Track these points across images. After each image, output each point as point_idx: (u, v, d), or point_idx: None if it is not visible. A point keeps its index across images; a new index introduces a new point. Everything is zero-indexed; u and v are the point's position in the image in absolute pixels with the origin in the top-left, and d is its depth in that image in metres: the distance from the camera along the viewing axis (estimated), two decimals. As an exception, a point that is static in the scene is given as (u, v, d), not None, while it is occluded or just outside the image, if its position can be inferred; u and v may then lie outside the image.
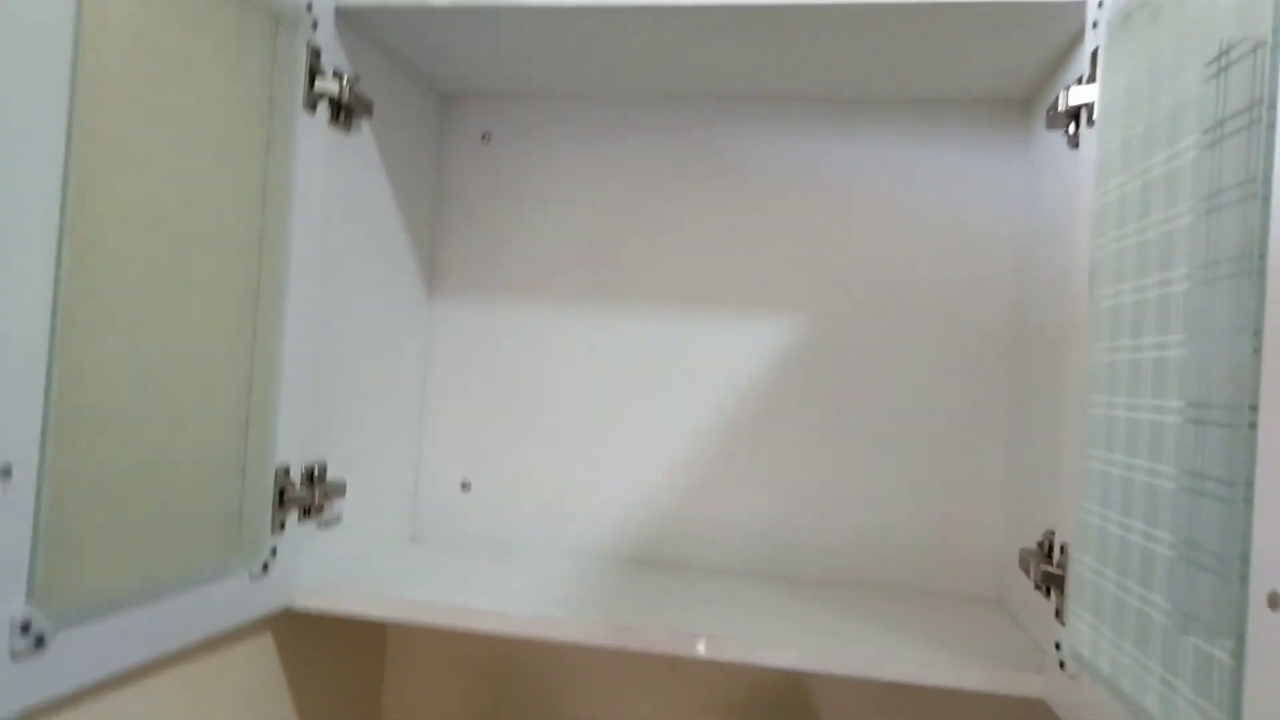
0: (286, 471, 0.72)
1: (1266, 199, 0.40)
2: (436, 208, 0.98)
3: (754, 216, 0.93)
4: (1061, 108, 0.66)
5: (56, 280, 0.49)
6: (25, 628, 0.48)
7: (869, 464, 0.90)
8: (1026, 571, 0.68)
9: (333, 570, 0.80)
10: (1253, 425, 0.40)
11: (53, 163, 0.49)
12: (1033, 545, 0.73)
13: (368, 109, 0.80)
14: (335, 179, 0.78)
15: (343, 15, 0.76)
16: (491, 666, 0.97)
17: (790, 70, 0.83)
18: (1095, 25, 0.64)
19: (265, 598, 0.70)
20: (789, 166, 0.92)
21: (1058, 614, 0.63)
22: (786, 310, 0.92)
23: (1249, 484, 0.40)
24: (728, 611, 0.76)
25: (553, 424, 0.96)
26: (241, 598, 0.67)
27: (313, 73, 0.73)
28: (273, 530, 0.71)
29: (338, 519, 0.82)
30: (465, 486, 0.97)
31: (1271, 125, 0.40)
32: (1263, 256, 0.40)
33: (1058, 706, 0.62)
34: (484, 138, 0.98)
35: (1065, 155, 0.72)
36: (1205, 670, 0.43)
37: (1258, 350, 0.40)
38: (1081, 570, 0.59)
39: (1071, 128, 0.67)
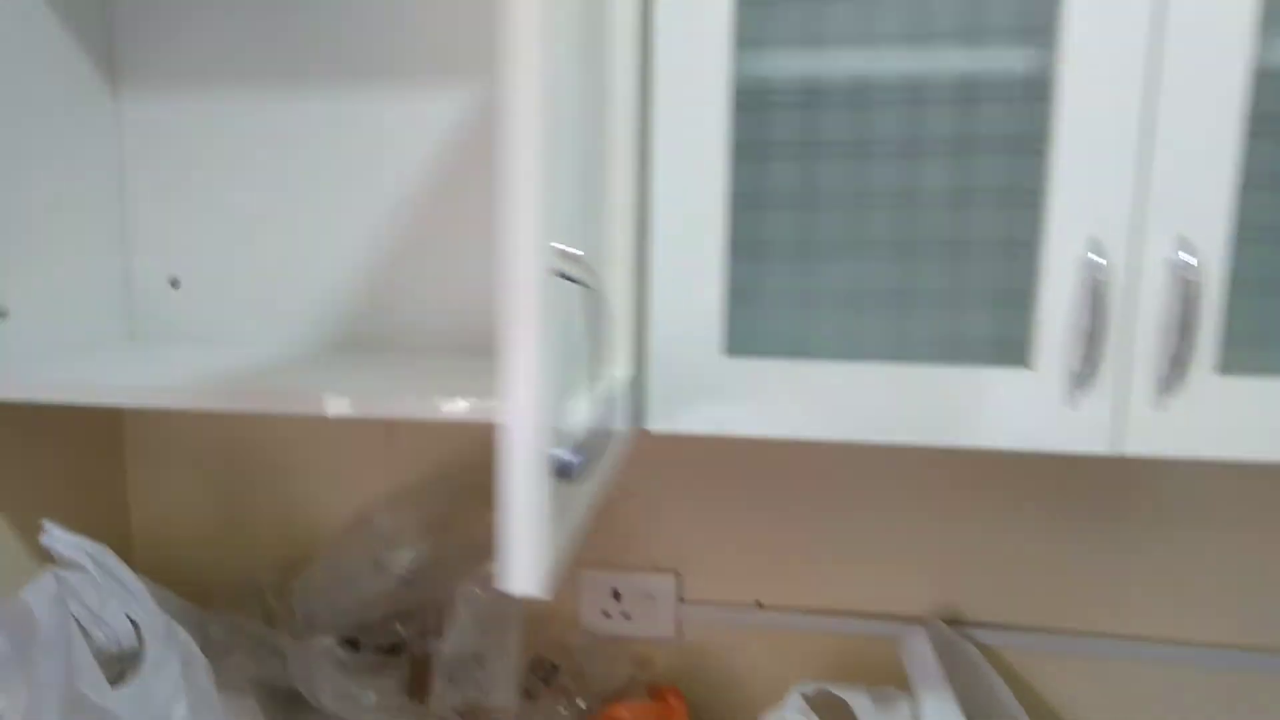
0: (-107, 260, 0.71)
1: None
2: (103, -9, 0.93)
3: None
4: None
5: None
6: None
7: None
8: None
9: (19, 362, 0.81)
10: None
11: None
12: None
13: None
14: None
15: None
16: (228, 450, 1.00)
17: None
18: None
19: (-117, 384, 0.71)
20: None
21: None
22: (475, 75, 0.89)
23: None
24: (425, 378, 0.76)
25: (255, 212, 0.94)
26: None
27: None
28: (-117, 318, 0.71)
29: (2, 314, 0.82)
30: (174, 283, 0.97)
31: None
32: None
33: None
34: (145, -91, 0.91)
35: None
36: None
37: None
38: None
39: None
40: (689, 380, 0.64)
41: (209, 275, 0.96)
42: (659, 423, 0.65)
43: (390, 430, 0.96)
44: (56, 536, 0.75)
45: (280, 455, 0.99)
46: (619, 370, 0.63)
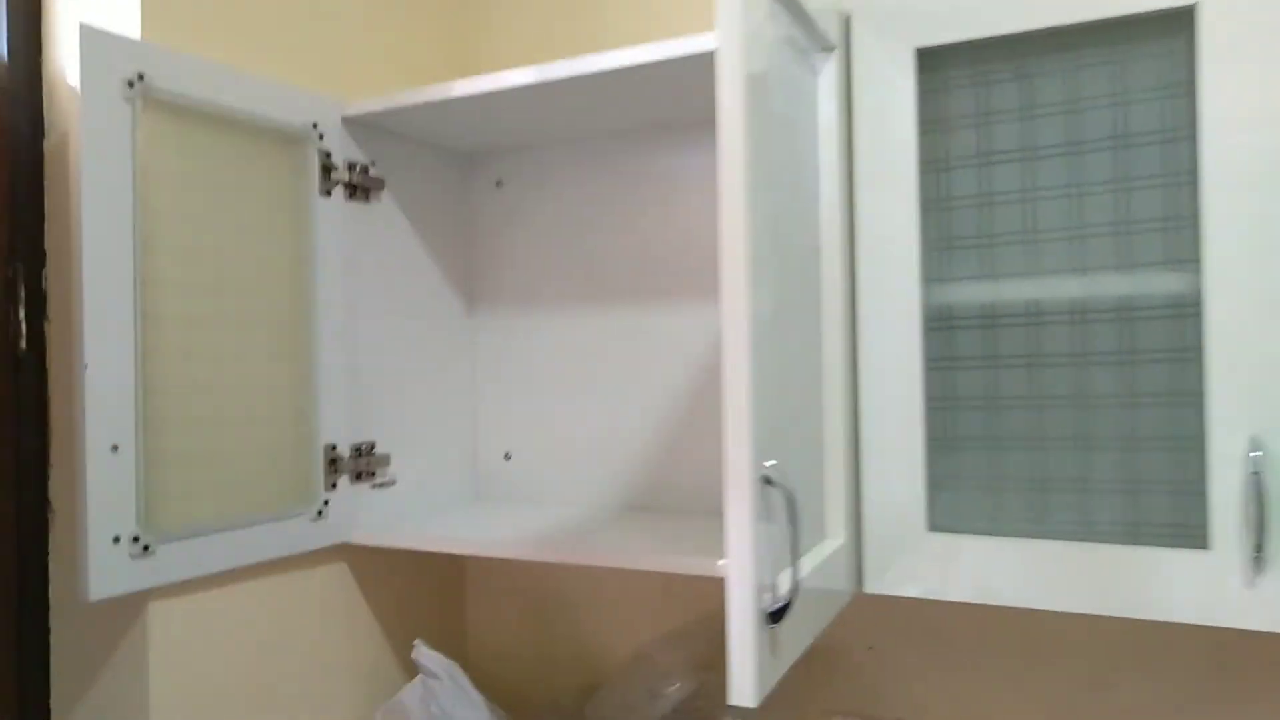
0: (334, 447, 1.04)
1: None
2: (469, 244, 1.27)
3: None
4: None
5: (140, 335, 0.83)
6: (135, 539, 0.82)
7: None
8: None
9: (400, 519, 1.11)
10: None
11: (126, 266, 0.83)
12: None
13: (380, 184, 1.11)
14: (361, 237, 1.08)
15: (350, 122, 1.07)
16: (542, 592, 1.25)
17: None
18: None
19: (323, 535, 1.02)
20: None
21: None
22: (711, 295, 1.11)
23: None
24: (689, 538, 0.97)
25: (569, 402, 1.21)
26: (304, 534, 1.00)
27: (326, 168, 1.04)
28: (326, 488, 1.03)
29: (392, 482, 1.13)
30: (507, 456, 1.25)
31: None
32: None
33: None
34: (498, 184, 1.26)
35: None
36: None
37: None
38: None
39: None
40: (898, 551, 0.77)
41: (534, 451, 1.24)
42: (874, 586, 0.78)
43: (667, 578, 1.15)
44: (424, 653, 1.01)
45: (579, 597, 1.21)
46: (834, 540, 0.78)
